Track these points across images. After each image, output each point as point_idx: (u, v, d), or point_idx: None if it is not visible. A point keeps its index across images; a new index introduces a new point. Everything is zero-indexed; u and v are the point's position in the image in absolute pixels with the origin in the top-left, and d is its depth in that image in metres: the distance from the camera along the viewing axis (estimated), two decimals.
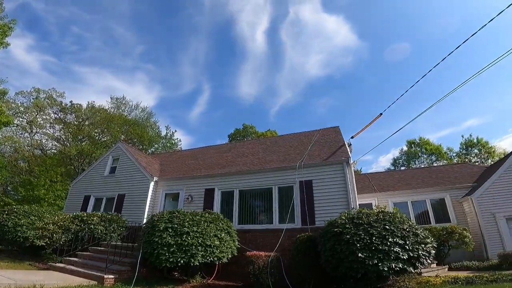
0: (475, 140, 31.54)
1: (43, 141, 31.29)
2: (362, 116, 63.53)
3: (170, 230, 7.24)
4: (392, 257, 5.96)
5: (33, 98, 29.77)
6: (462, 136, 33.96)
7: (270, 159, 11.99)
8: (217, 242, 7.57)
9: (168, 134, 37.09)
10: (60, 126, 30.99)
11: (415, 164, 32.49)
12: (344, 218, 7.06)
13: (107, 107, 33.15)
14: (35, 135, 30.82)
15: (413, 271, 6.19)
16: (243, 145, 15.53)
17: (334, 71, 62.21)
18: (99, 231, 9.92)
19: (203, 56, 60.16)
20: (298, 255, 7.85)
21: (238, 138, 37.84)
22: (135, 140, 32.65)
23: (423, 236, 6.52)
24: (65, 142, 30.69)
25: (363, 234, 6.33)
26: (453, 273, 8.51)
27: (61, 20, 45.85)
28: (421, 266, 6.50)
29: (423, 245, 6.32)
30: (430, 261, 6.60)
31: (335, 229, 6.80)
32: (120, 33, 51.44)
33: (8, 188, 28.62)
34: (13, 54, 40.13)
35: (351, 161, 9.87)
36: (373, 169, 61.14)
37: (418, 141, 33.58)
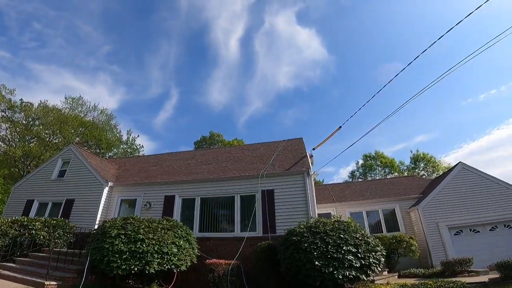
0: (421, 155, 34.59)
1: None
2: (325, 128, 66.09)
3: (123, 237, 6.84)
4: (346, 265, 6.21)
5: None
6: (411, 151, 36.93)
7: (234, 168, 11.97)
8: (175, 250, 7.29)
9: (130, 139, 35.31)
10: (6, 125, 28.05)
11: (371, 176, 34.64)
12: (302, 227, 7.25)
13: (61, 107, 30.76)
14: None
15: (365, 278, 6.48)
16: (207, 153, 15.33)
17: (303, 83, 64.43)
18: (42, 236, 9.07)
19: (173, 60, 59.07)
20: (258, 262, 7.86)
21: (205, 146, 37.26)
22: (92, 143, 30.57)
23: (373, 244, 6.88)
24: (11, 143, 27.82)
25: (319, 243, 6.53)
26: (402, 280, 8.99)
27: (23, 16, 42.31)
28: (373, 274, 6.84)
29: (373, 253, 6.67)
30: (380, 269, 6.98)
31: (294, 238, 6.94)
32: (86, 32, 48.51)
33: None
34: None
35: (312, 172, 10.24)
36: (334, 180, 63.41)
37: (374, 155, 35.89)
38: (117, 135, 34.15)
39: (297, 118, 64.35)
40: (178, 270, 7.51)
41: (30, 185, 13.09)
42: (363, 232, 7.15)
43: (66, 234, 9.69)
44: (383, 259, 6.91)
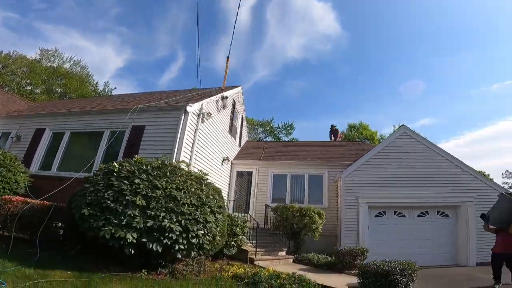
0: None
1: None
2: (331, 102, 63.59)
3: None
4: (132, 224, 4.38)
5: None
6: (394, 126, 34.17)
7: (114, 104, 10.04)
8: None
9: (106, 91, 33.47)
10: None
11: None
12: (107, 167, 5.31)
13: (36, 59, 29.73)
14: None
15: (192, 254, 4.93)
16: (116, 97, 13.45)
17: (312, 56, 61.70)
18: None
19: (182, 25, 56.28)
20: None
21: None
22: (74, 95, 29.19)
23: (213, 210, 5.12)
24: None
25: (104, 189, 4.70)
26: (281, 268, 7.03)
27: None
28: (200, 252, 5.19)
29: (207, 223, 4.98)
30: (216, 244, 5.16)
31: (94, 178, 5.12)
32: None
33: None
34: None
35: (194, 109, 8.19)
36: None
37: (358, 125, 33.40)
38: (94, 86, 33.19)
39: (302, 89, 62.16)
40: None
41: None
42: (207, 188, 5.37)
43: None
44: (218, 233, 5.24)
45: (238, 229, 7.81)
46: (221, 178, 11.02)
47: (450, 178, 9.86)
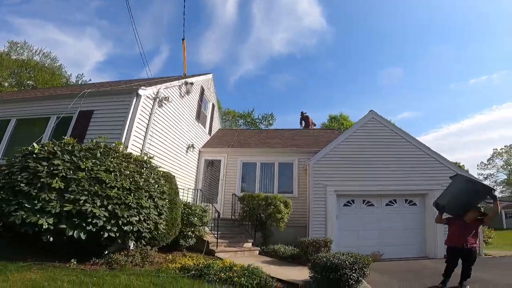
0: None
1: None
2: (316, 96, 64.14)
3: None
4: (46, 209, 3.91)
5: None
6: None
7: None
8: None
9: (79, 82, 32.10)
10: None
11: None
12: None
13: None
14: None
15: (131, 243, 4.44)
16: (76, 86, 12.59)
17: (297, 50, 62.08)
18: None
19: (166, 18, 56.21)
20: None
21: None
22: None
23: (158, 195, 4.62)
24: None
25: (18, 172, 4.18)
26: (244, 260, 6.58)
27: None
28: (141, 241, 4.75)
29: (142, 209, 4.50)
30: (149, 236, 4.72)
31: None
32: None
33: None
34: None
35: (148, 93, 7.66)
36: None
37: (339, 117, 33.42)
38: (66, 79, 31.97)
39: (288, 83, 62.38)
40: None
41: None
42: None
43: None
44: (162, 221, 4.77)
45: (196, 218, 7.41)
46: (186, 167, 10.55)
47: (417, 165, 9.62)
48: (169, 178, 6.58)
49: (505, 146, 47.30)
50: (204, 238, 7.91)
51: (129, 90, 7.43)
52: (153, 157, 5.96)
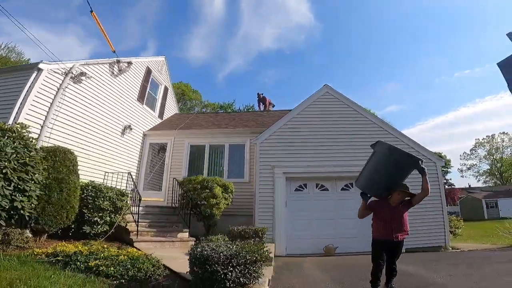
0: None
1: None
2: (305, 90, 64.05)
3: None
4: None
5: None
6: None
7: None
8: None
9: None
10: None
11: None
12: None
13: None
14: None
15: None
16: None
17: (285, 46, 61.78)
18: None
19: (152, 14, 55.44)
20: None
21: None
22: None
23: None
24: None
25: None
26: (167, 251, 5.96)
27: None
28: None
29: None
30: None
31: None
32: None
33: None
34: None
35: (55, 67, 6.55)
36: None
37: None
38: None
39: (277, 79, 62.14)
40: None
41: None
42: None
43: None
44: None
45: (106, 202, 6.33)
46: (122, 149, 9.44)
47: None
48: (61, 154, 5.50)
49: (486, 137, 47.50)
50: (127, 227, 6.90)
51: (30, 66, 6.43)
52: (28, 126, 4.88)
